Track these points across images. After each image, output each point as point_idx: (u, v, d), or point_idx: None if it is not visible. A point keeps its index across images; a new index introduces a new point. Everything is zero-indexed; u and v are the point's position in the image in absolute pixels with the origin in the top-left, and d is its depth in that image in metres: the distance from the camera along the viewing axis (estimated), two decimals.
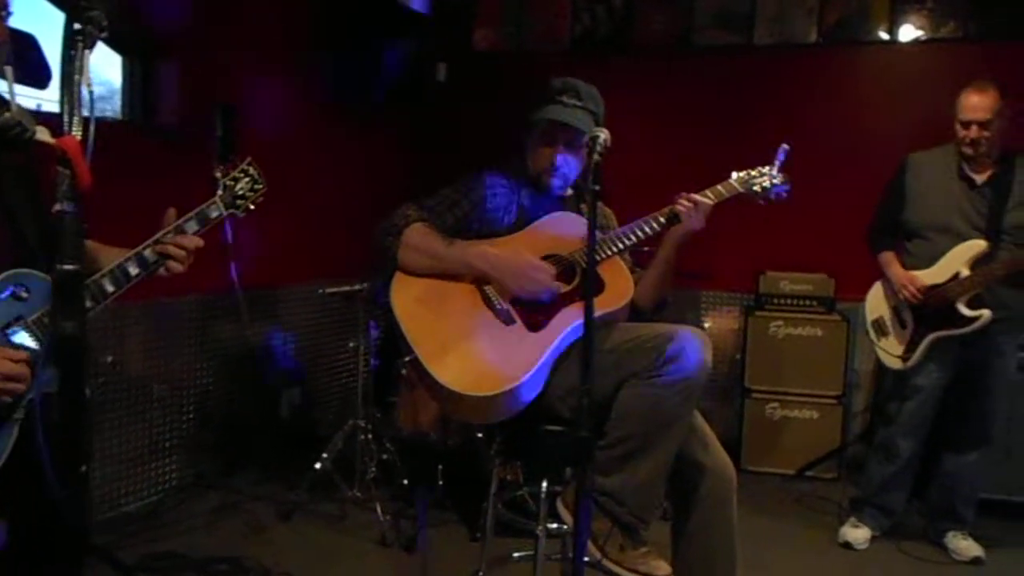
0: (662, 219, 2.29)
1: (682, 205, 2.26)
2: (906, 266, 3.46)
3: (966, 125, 3.24)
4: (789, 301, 4.53)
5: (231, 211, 1.99)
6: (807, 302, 4.50)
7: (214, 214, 1.95)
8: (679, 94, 5.01)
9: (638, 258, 2.54)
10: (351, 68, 4.38)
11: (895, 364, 3.46)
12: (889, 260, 3.50)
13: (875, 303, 3.59)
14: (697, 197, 2.27)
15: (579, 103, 2.32)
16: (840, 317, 4.43)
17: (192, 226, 1.91)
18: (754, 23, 4.86)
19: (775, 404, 4.47)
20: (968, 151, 3.27)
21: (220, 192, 1.97)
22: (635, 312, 2.35)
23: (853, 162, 4.58)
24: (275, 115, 4.17)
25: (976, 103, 3.22)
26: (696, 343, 2.06)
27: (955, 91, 3.35)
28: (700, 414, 2.22)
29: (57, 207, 1.46)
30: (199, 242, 1.90)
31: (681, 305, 4.93)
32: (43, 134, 1.62)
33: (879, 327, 3.56)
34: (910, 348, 3.40)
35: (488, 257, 2.23)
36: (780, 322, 4.48)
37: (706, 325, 4.97)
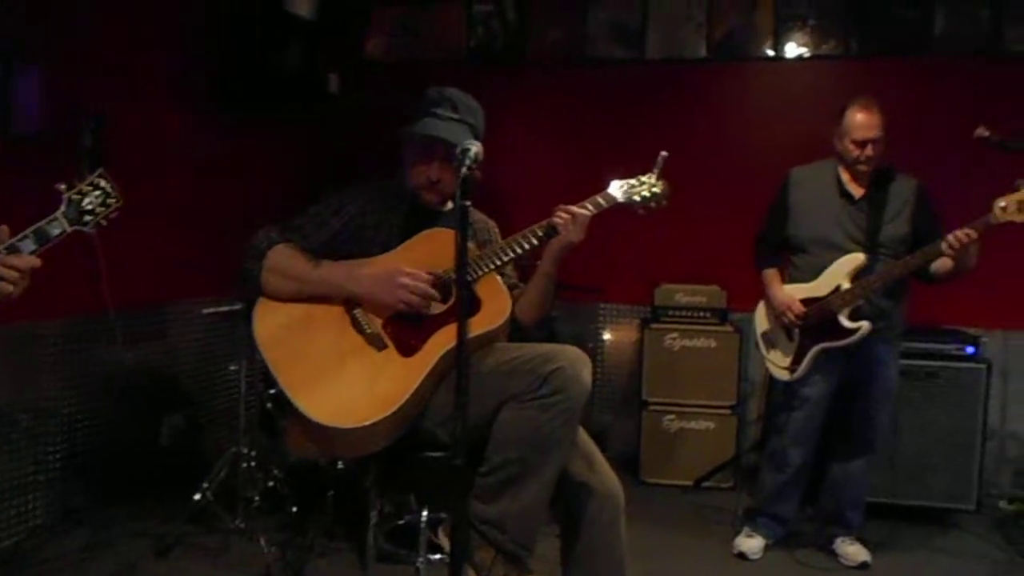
0: (540, 232, 2.25)
1: (559, 217, 2.23)
2: (791, 279, 3.53)
3: (861, 144, 3.30)
4: (684, 313, 4.53)
5: (77, 228, 1.88)
6: (701, 314, 4.52)
7: (55, 231, 1.85)
8: (573, 106, 5.01)
9: (526, 273, 2.49)
10: (234, 75, 4.20)
11: (783, 376, 3.51)
12: (771, 279, 3.56)
13: (762, 317, 3.65)
14: (574, 209, 2.23)
15: (455, 115, 2.27)
16: (732, 328, 4.46)
17: (28, 245, 1.81)
18: (646, 37, 4.88)
19: (672, 416, 4.47)
20: (863, 168, 3.34)
21: (63, 208, 1.87)
22: (518, 329, 2.31)
23: (742, 174, 4.63)
24: (151, 123, 3.95)
25: (869, 122, 3.29)
26: (575, 364, 2.03)
27: (837, 106, 3.40)
28: (586, 433, 2.19)
29: None
30: (35, 262, 1.81)
31: (579, 319, 4.92)
32: None
33: (767, 340, 3.61)
34: (797, 360, 3.45)
35: (357, 277, 2.17)
36: (675, 334, 4.48)
37: (605, 338, 4.96)
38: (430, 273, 2.18)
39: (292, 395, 2.00)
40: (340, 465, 3.63)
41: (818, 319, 3.37)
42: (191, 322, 4.26)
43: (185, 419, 4.22)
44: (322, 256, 2.22)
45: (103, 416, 3.82)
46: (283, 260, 2.17)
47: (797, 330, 3.45)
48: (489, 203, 2.56)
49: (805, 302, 3.42)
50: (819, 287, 3.40)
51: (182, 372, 4.28)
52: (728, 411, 4.43)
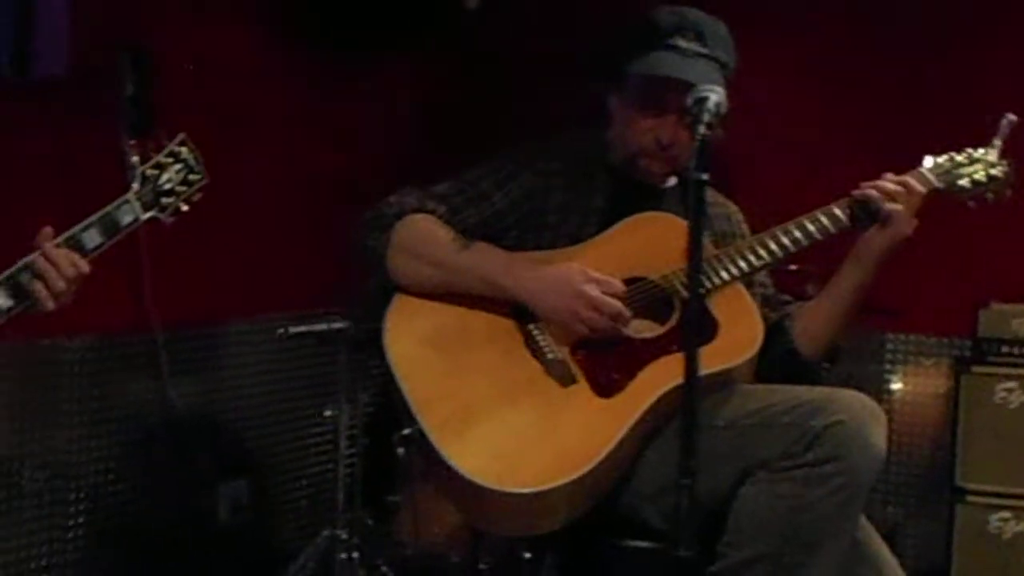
0: (841, 215, 2.12)
1: (882, 193, 2.09)
2: None
3: None
4: None
5: (153, 214, 1.90)
6: None
7: (127, 219, 1.86)
8: (847, 32, 4.44)
9: (784, 282, 2.43)
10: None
11: None
12: None
13: None
14: (910, 180, 2.13)
15: (703, 49, 2.16)
16: None
17: (93, 237, 1.81)
18: None
19: (1005, 514, 3.97)
20: None
21: (137, 186, 1.88)
22: (793, 363, 2.23)
23: None
24: (215, 64, 3.82)
25: None
26: (860, 418, 1.91)
27: None
28: (873, 528, 2.08)
29: None
30: (83, 268, 1.81)
31: (855, 355, 4.42)
32: None
33: None
34: None
35: (518, 273, 2.10)
36: (1012, 383, 3.98)
37: (895, 387, 4.54)
38: (641, 280, 2.09)
39: (437, 441, 1.96)
40: (482, 564, 3.37)
41: None
42: (265, 348, 4.07)
43: (253, 486, 4.07)
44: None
45: (141, 478, 3.67)
46: (419, 235, 2.14)
47: None
48: (718, 181, 2.42)
49: None
50: None
51: (251, 418, 4.13)
52: None
